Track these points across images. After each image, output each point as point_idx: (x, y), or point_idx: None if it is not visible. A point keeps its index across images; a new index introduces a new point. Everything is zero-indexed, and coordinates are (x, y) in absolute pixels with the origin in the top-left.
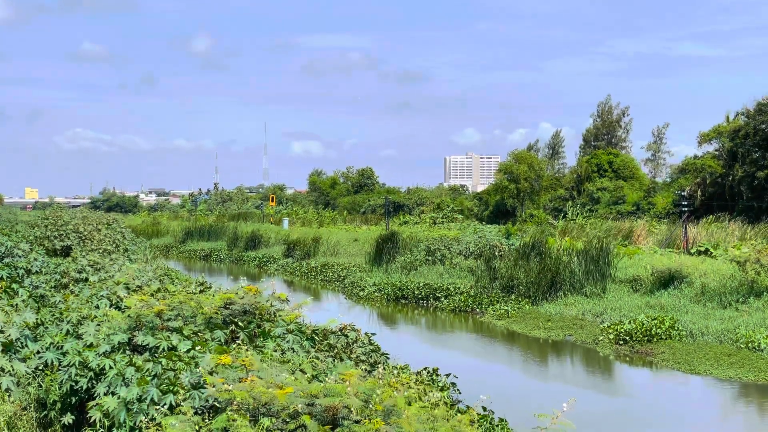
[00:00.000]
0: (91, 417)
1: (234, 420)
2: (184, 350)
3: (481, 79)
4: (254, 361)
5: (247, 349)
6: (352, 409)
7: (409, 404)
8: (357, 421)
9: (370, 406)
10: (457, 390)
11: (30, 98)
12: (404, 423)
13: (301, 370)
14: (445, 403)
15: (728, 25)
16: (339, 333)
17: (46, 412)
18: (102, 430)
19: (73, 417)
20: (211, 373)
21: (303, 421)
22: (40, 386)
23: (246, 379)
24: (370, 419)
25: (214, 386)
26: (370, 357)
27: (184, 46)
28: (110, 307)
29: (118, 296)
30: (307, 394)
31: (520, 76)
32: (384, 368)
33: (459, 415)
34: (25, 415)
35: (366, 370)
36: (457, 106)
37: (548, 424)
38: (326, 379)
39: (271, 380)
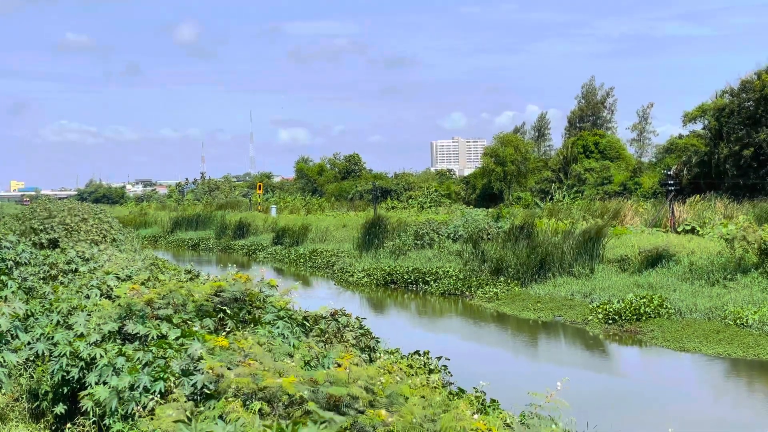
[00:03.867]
0: (83, 406)
1: (231, 404)
2: (174, 338)
3: (467, 62)
4: (252, 345)
5: (237, 338)
6: (358, 398)
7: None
8: (361, 411)
9: (375, 395)
10: (449, 372)
11: (14, 90)
12: (406, 412)
13: (291, 355)
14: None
15: (713, 4)
16: (330, 318)
17: (38, 402)
18: (94, 418)
19: (65, 407)
20: (200, 360)
21: (308, 407)
22: (32, 377)
23: (244, 362)
24: (373, 406)
25: (212, 369)
26: (361, 341)
27: (169, 35)
28: (100, 297)
29: (108, 286)
30: (308, 380)
31: (506, 59)
32: (380, 355)
33: (457, 400)
34: (17, 406)
35: (357, 354)
36: (444, 90)
37: (542, 403)
38: (326, 362)
39: (270, 365)
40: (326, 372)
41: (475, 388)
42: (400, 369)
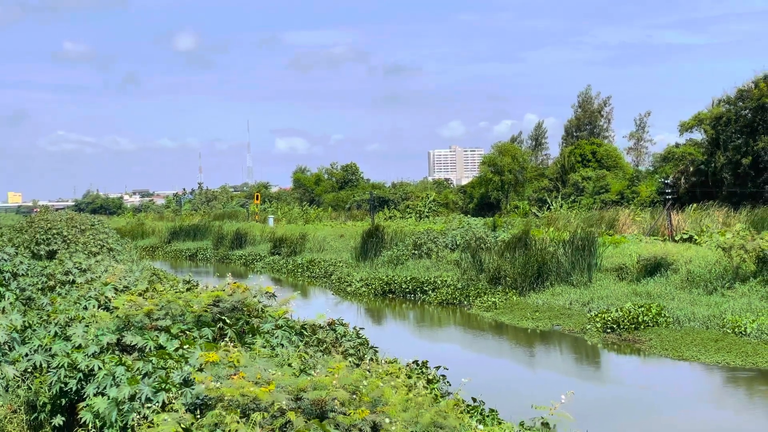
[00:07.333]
0: (81, 418)
1: (224, 416)
2: (172, 349)
3: (466, 71)
4: (241, 358)
5: (234, 346)
6: (340, 400)
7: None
8: (344, 413)
9: (356, 397)
10: (447, 382)
11: (12, 100)
12: (390, 410)
13: (289, 365)
14: (435, 396)
15: (711, 12)
16: (327, 328)
17: (36, 414)
18: (93, 430)
19: (63, 418)
20: (200, 370)
21: (288, 417)
22: (30, 389)
23: (233, 376)
24: (357, 409)
25: (203, 384)
26: (359, 351)
27: (169, 44)
28: (98, 308)
29: (106, 297)
30: (294, 388)
31: (505, 67)
32: (371, 359)
33: (443, 400)
34: (15, 417)
35: (354, 363)
36: (442, 98)
37: (546, 415)
38: (313, 372)
39: (259, 376)
40: (310, 378)
41: (473, 398)
42: (393, 374)
